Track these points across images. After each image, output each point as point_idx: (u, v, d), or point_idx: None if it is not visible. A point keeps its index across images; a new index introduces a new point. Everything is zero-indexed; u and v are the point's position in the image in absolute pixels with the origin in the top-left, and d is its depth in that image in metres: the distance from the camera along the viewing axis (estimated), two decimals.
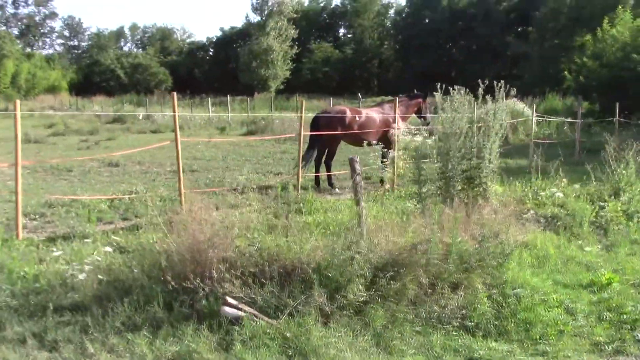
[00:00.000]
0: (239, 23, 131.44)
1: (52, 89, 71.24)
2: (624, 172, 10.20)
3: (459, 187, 7.96)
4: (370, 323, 4.93)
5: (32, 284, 5.51)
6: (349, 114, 12.78)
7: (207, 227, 5.12)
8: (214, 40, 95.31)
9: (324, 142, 12.68)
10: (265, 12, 70.36)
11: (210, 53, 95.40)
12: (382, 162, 12.76)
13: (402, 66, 79.85)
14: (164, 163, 17.16)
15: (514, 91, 8.75)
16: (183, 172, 15.52)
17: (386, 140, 13.30)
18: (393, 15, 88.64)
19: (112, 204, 10.65)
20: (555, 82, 42.06)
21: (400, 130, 7.43)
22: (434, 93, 8.42)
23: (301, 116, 11.22)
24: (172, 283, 4.86)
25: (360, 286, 5.07)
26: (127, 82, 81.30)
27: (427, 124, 14.06)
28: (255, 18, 73.72)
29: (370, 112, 13.29)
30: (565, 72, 36.64)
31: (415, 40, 74.73)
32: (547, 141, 17.67)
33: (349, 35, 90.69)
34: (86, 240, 6.68)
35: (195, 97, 62.11)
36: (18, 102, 7.82)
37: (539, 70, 50.81)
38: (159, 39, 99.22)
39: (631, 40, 29.66)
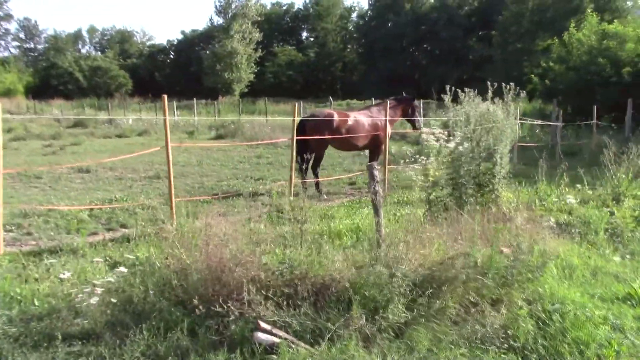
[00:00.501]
0: (200, 26, 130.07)
1: (7, 93, 68.82)
2: (623, 176, 10.03)
3: (470, 193, 7.63)
4: (414, 346, 4.48)
5: (29, 308, 4.91)
6: (336, 117, 12.36)
7: (232, 243, 4.60)
8: (175, 43, 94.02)
9: (311, 147, 12.27)
10: (229, 15, 69.43)
11: (172, 56, 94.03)
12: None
13: (366, 69, 79.72)
14: (137, 169, 16.54)
15: (523, 93, 8.49)
16: (159, 178, 15.04)
17: (375, 145, 12.99)
18: (356, 19, 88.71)
19: (91, 213, 10.07)
20: (518, 85, 42.25)
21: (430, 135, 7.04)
22: (443, 96, 8.06)
23: (293, 120, 10.74)
24: (200, 307, 4.33)
25: (400, 305, 4.63)
26: (86, 85, 79.22)
27: (417, 128, 13.80)
28: (218, 21, 72.86)
29: (359, 116, 12.89)
30: (532, 75, 36.88)
31: (379, 43, 74.64)
32: (531, 145, 17.55)
33: (312, 39, 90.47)
34: (97, 259, 6.06)
35: (158, 101, 60.85)
36: None
37: (502, 74, 51.14)
38: (118, 42, 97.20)
39: (597, 44, 29.94)
